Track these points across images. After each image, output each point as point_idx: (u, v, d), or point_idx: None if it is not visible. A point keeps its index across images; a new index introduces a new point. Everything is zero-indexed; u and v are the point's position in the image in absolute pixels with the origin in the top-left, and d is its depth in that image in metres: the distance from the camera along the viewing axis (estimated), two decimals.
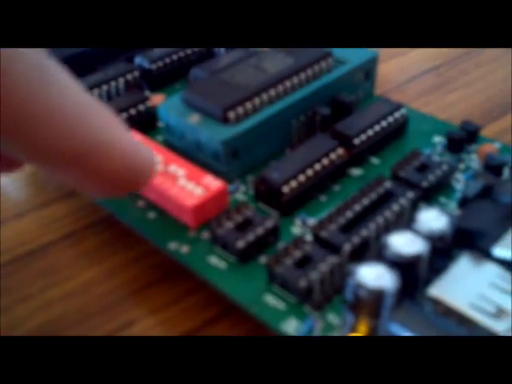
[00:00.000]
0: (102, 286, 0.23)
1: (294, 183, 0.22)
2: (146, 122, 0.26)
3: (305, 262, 0.20)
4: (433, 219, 0.19)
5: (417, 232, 0.19)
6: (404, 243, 0.18)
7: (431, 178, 0.22)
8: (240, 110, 0.23)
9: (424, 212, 0.19)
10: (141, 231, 0.22)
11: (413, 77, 0.34)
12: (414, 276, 0.18)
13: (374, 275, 0.17)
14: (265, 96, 0.24)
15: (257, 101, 0.24)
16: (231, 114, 0.23)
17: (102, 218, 0.26)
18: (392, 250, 0.18)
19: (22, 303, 0.23)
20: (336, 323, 0.19)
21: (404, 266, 0.18)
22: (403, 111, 0.25)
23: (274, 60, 0.26)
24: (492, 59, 0.34)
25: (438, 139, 0.25)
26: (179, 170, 0.23)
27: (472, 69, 0.33)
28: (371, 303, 0.17)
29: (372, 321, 0.17)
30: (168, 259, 0.23)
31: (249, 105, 0.24)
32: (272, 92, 0.24)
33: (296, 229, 0.22)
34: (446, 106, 0.31)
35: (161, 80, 0.29)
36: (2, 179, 0.28)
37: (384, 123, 0.25)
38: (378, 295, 0.17)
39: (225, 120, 0.23)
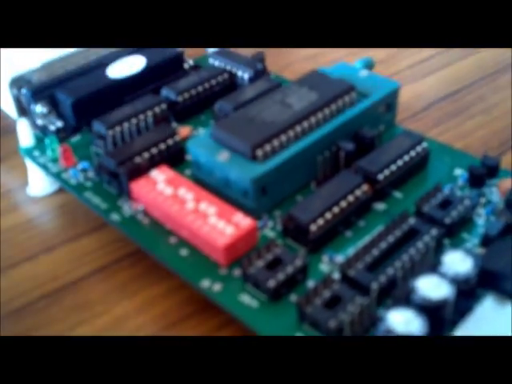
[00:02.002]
0: (134, 322, 0.24)
1: (321, 221, 0.23)
2: (174, 156, 0.27)
3: (334, 302, 0.20)
4: (458, 261, 0.20)
5: (442, 275, 0.19)
6: (431, 287, 0.19)
7: (454, 213, 0.23)
8: (268, 147, 0.24)
9: (449, 254, 0.20)
10: (173, 268, 0.23)
11: (429, 104, 0.34)
12: (441, 319, 0.19)
13: (402, 320, 0.18)
14: (291, 132, 0.25)
15: (283, 138, 0.25)
16: (259, 152, 0.24)
17: (132, 252, 0.27)
18: (420, 294, 0.19)
19: None
20: None
21: (431, 311, 0.18)
22: (424, 145, 0.26)
23: (299, 95, 0.26)
24: (507, 84, 0.35)
25: (459, 172, 0.26)
26: (210, 207, 0.24)
27: (489, 94, 0.34)
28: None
29: None
30: (198, 294, 0.24)
31: (276, 142, 0.24)
32: (298, 128, 0.25)
33: (324, 266, 0.23)
34: (464, 134, 0.31)
35: (187, 112, 0.30)
36: (30, 213, 0.29)
37: (406, 157, 0.25)
38: None
39: (253, 158, 0.24)
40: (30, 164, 0.29)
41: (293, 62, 0.38)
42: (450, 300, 0.19)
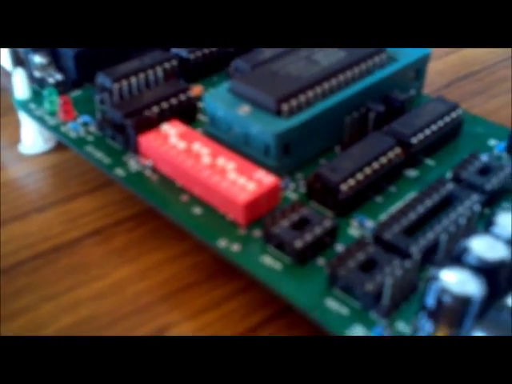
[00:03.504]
0: (135, 287, 0.22)
1: (352, 182, 0.21)
2: (186, 113, 0.25)
3: (369, 266, 0.18)
4: None
5: (497, 236, 0.17)
6: (485, 248, 0.17)
7: (494, 180, 0.21)
8: (293, 102, 0.22)
9: (503, 215, 0.18)
10: (187, 227, 0.21)
11: (450, 81, 0.32)
12: (497, 283, 0.17)
13: (458, 281, 0.16)
14: (318, 89, 0.23)
15: (310, 94, 0.23)
16: (285, 107, 0.22)
17: (132, 215, 0.24)
18: (474, 254, 0.17)
19: (49, 302, 0.21)
20: (406, 332, 0.17)
21: (489, 272, 0.16)
22: (459, 111, 0.24)
23: (326, 52, 0.24)
24: None
25: (493, 142, 0.24)
26: (228, 163, 0.21)
27: (510, 76, 0.32)
28: (456, 311, 0.16)
29: (453, 330, 0.16)
30: (207, 259, 0.22)
31: (302, 97, 0.22)
32: (325, 85, 0.23)
33: (353, 230, 0.20)
34: (488, 112, 0.29)
35: (198, 71, 0.28)
36: (21, 170, 0.27)
37: (441, 123, 0.23)
38: (464, 302, 0.16)
39: (278, 112, 0.22)
40: (24, 118, 0.27)
41: None
42: (508, 261, 0.17)
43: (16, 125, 0.28)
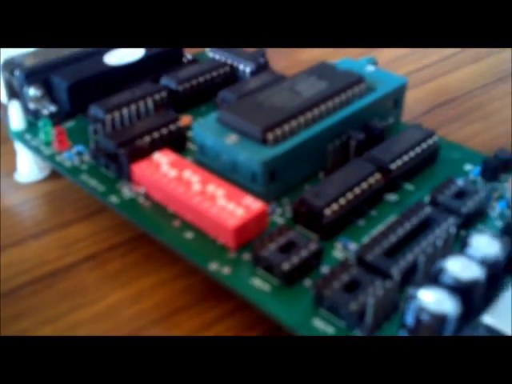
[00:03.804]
0: (129, 311, 0.23)
1: (335, 206, 0.22)
2: (176, 142, 0.26)
3: (353, 287, 0.19)
4: (486, 244, 0.19)
5: (471, 257, 0.19)
6: (460, 268, 0.18)
7: (470, 204, 0.22)
8: (278, 131, 0.23)
9: (477, 237, 0.19)
10: (180, 251, 0.22)
11: (428, 109, 0.34)
12: (472, 302, 0.18)
13: (434, 299, 0.17)
14: (302, 119, 0.24)
15: (294, 123, 0.24)
16: (270, 136, 0.23)
17: (125, 241, 0.25)
18: (450, 274, 0.18)
19: (48, 325, 0.22)
20: None
21: (463, 291, 0.17)
22: (435, 138, 0.25)
23: (308, 84, 0.26)
24: (505, 94, 0.35)
25: (469, 167, 0.25)
26: (218, 189, 0.22)
27: (486, 103, 0.34)
28: (433, 328, 0.17)
29: None
30: (198, 283, 0.23)
31: (286, 127, 0.24)
32: (308, 115, 0.24)
33: (337, 253, 0.21)
34: (464, 138, 0.31)
35: (187, 102, 0.29)
36: (17, 198, 0.28)
37: (418, 149, 0.25)
38: (441, 320, 0.17)
39: (264, 141, 0.23)
40: (20, 148, 0.28)
41: (292, 65, 0.37)
42: (482, 281, 0.18)
43: (12, 154, 0.29)
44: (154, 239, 0.23)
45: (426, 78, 0.37)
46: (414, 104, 0.33)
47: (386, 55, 0.39)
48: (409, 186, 0.24)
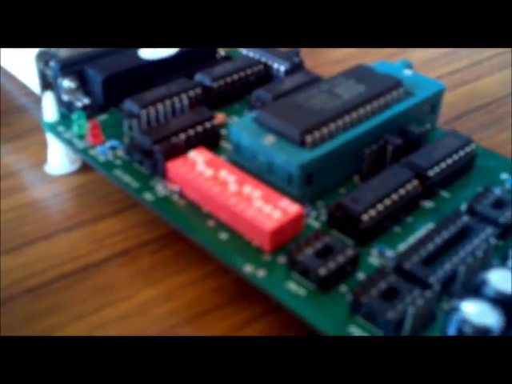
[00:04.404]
0: (160, 309, 0.22)
1: (372, 212, 0.22)
2: (210, 140, 0.26)
3: (391, 295, 0.19)
4: None
5: None
6: (503, 280, 0.18)
7: (508, 214, 0.22)
8: (317, 134, 0.23)
9: None
10: (214, 251, 0.21)
11: (461, 113, 0.33)
12: None
13: (477, 312, 0.17)
14: (340, 122, 0.24)
15: (332, 126, 0.24)
16: (308, 138, 0.23)
17: (157, 237, 0.25)
18: (492, 286, 0.18)
19: (77, 321, 0.22)
20: None
21: (506, 304, 0.17)
22: (473, 146, 0.25)
23: (346, 86, 0.25)
24: None
25: (505, 176, 0.25)
26: (254, 191, 0.22)
27: None
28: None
29: None
30: (229, 283, 0.23)
31: (325, 129, 0.23)
32: (347, 118, 0.24)
33: (373, 259, 0.21)
34: (498, 144, 0.30)
35: (220, 99, 0.29)
36: (47, 191, 0.28)
37: (455, 157, 0.24)
38: (483, 332, 0.16)
39: (301, 143, 0.23)
40: (51, 140, 0.28)
41: (321, 63, 0.37)
42: None
43: (40, 145, 0.29)
44: (185, 237, 0.22)
45: (457, 82, 0.37)
46: (447, 108, 0.33)
47: (418, 57, 0.39)
48: (445, 194, 0.24)
